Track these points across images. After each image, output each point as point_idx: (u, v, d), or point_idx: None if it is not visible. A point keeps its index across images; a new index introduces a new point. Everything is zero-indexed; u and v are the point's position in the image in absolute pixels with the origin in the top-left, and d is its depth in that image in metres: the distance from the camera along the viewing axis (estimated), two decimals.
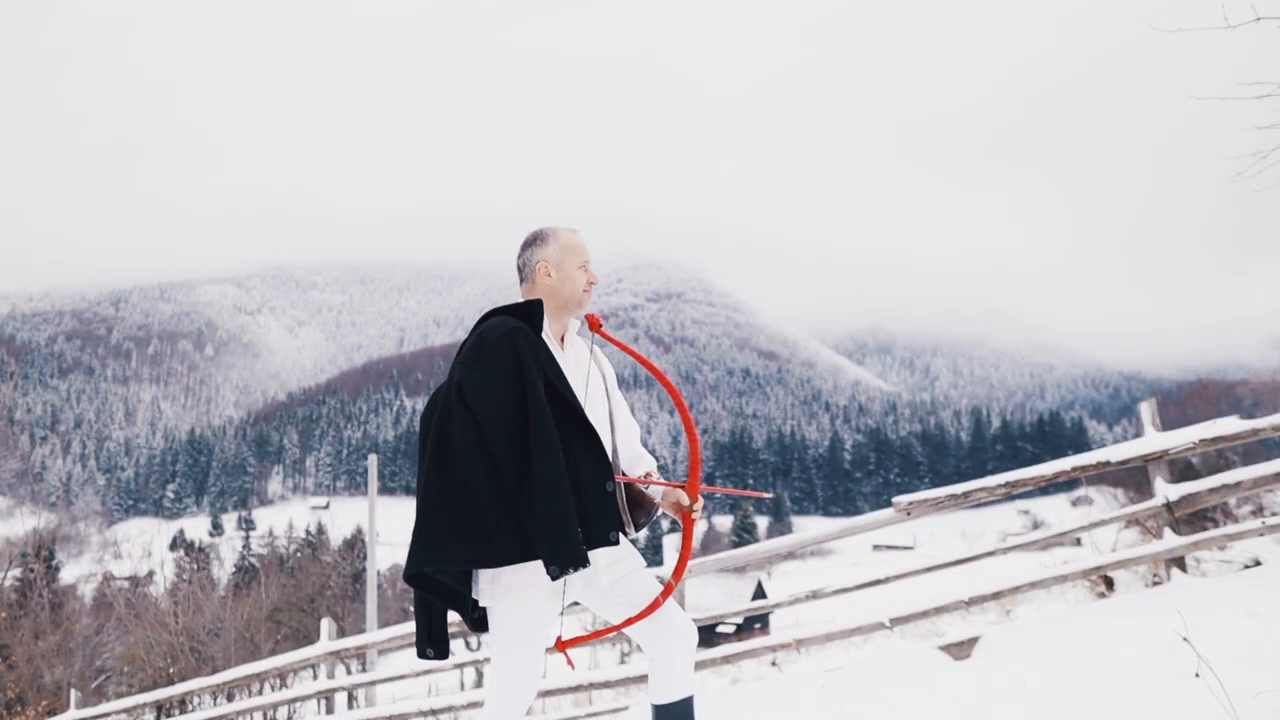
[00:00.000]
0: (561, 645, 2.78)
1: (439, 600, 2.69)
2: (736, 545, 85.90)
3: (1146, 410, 5.40)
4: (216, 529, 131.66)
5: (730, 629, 44.83)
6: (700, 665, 5.86)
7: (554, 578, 2.47)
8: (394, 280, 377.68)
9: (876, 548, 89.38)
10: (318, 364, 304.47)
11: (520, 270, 2.90)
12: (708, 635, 42.17)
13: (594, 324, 2.93)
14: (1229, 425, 5.03)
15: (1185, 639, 2.52)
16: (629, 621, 2.75)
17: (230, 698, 9.46)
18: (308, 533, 78.69)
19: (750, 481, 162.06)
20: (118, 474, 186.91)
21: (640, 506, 2.85)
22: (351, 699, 17.73)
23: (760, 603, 5.86)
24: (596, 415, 2.79)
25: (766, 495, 2.93)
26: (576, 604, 2.84)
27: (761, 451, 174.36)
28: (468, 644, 24.93)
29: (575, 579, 2.69)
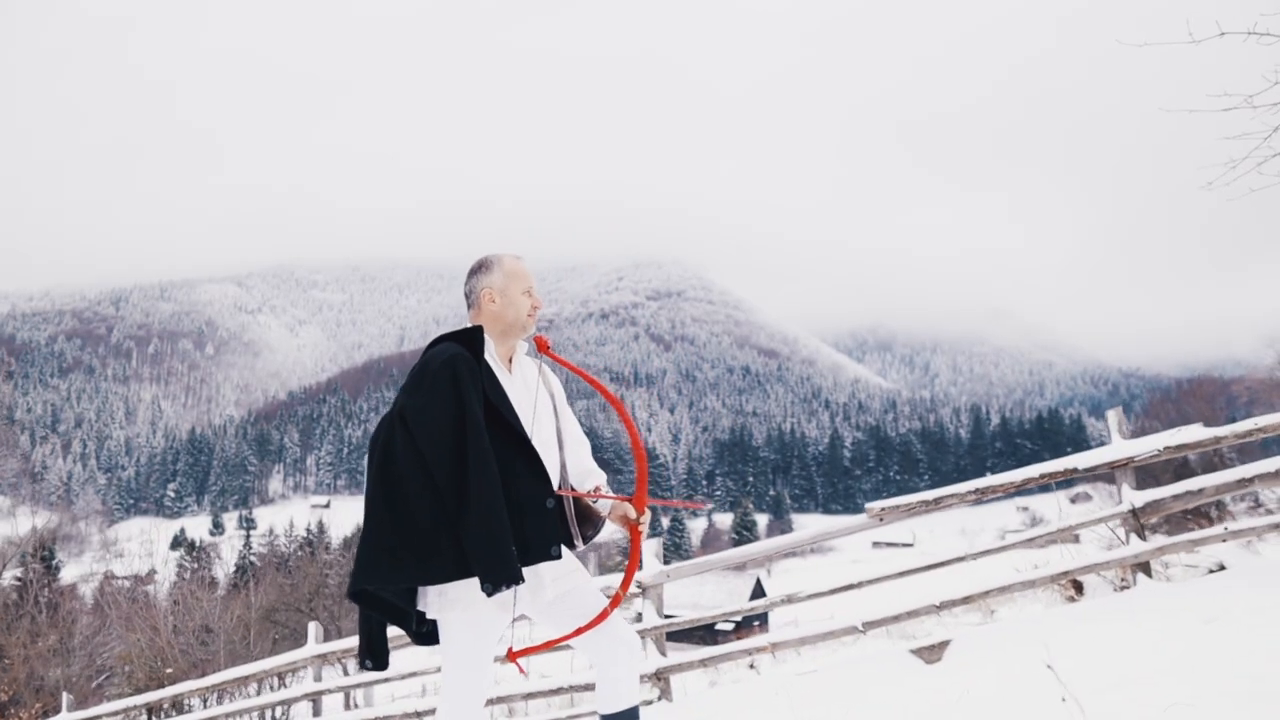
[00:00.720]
0: (513, 655, 2.92)
1: (383, 616, 2.81)
2: (737, 543, 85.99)
3: (1113, 418, 5.49)
4: (217, 528, 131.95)
5: (730, 626, 44.99)
6: (678, 669, 5.96)
7: (488, 594, 2.59)
8: (394, 279, 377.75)
9: (876, 544, 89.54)
10: (318, 363, 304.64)
11: (467, 297, 3.04)
12: (707, 632, 42.30)
13: (541, 345, 3.08)
14: (1192, 433, 5.13)
15: (1049, 666, 2.61)
16: (576, 632, 2.88)
17: (220, 700, 9.56)
18: (309, 531, 78.72)
19: (751, 479, 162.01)
20: (118, 473, 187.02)
21: (588, 520, 2.99)
22: (349, 700, 17.82)
23: (726, 610, 5.96)
24: (545, 434, 2.93)
25: (705, 505, 3.12)
26: (525, 617, 2.96)
27: (762, 449, 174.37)
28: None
29: (522, 591, 2.81)
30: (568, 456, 3.03)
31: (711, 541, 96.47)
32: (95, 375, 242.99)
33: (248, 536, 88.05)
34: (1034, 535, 5.48)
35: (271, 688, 9.68)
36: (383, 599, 2.78)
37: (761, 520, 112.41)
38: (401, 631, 2.88)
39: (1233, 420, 5.68)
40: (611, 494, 2.99)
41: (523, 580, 2.62)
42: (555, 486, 2.90)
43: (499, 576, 2.57)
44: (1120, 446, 5.28)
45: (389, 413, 2.82)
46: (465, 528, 2.62)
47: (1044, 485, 5.62)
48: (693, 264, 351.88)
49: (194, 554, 64.54)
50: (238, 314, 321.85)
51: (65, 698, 8.11)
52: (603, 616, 2.90)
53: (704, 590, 45.59)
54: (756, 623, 45.35)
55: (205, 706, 8.52)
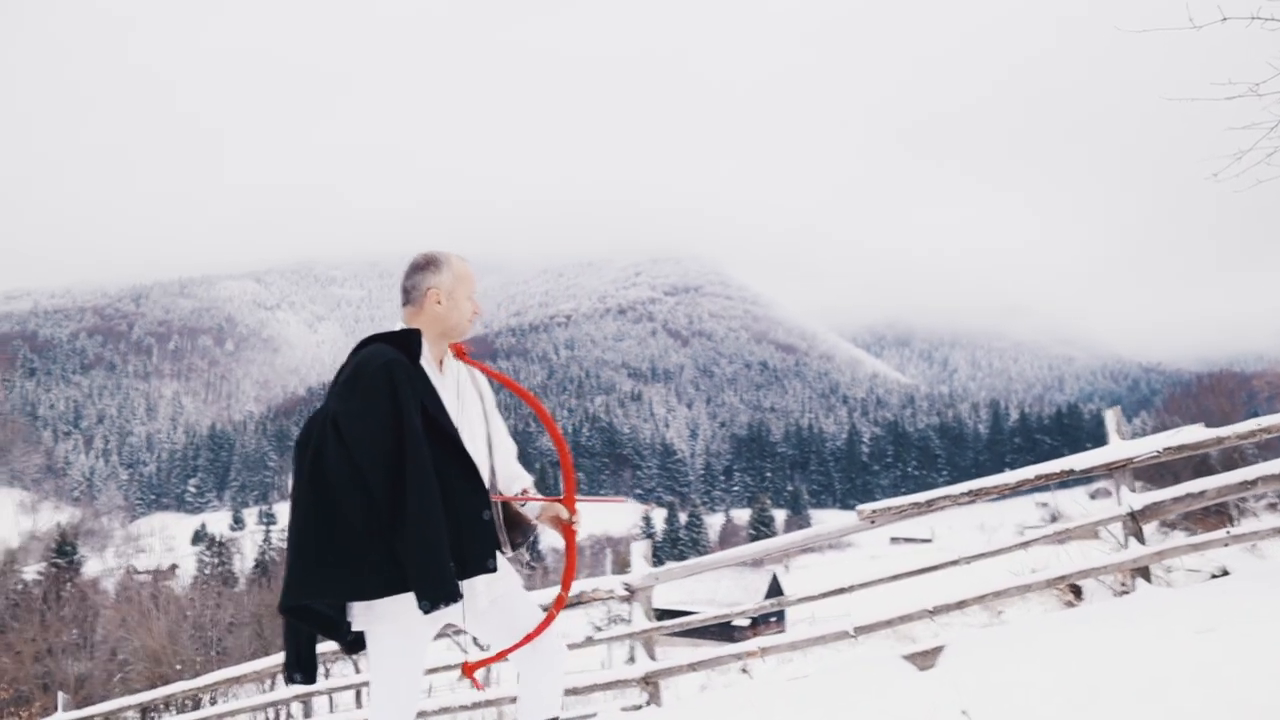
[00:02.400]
0: (468, 669, 2.89)
1: (314, 629, 2.72)
2: (754, 539, 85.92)
3: (1111, 418, 5.34)
4: (238, 523, 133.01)
5: (746, 622, 44.94)
6: (667, 673, 5.86)
7: (425, 612, 2.50)
8: None
9: (894, 540, 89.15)
10: (336, 359, 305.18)
11: (407, 292, 2.91)
12: (723, 629, 42.22)
13: (459, 352, 2.97)
14: (1193, 434, 4.97)
15: (964, 712, 2.49)
16: (525, 639, 2.84)
17: (214, 700, 9.55)
18: None
19: (768, 475, 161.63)
20: (140, 469, 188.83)
21: (517, 526, 2.94)
22: (359, 699, 17.78)
23: (723, 612, 5.85)
24: (474, 437, 2.86)
25: (622, 500, 3.11)
26: (454, 628, 2.91)
27: (779, 444, 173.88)
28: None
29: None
30: (496, 461, 2.96)
31: (729, 538, 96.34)
32: (116, 371, 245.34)
33: (267, 531, 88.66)
34: (1028, 541, 5.34)
35: (269, 688, 9.72)
36: (313, 610, 2.68)
37: (779, 516, 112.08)
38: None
39: (1254, 415, 5.50)
40: (540, 496, 2.94)
41: (460, 597, 2.53)
42: (489, 488, 2.85)
43: (437, 595, 2.48)
44: (1118, 447, 5.12)
45: (318, 414, 2.70)
46: (402, 543, 2.51)
47: (1040, 487, 5.47)
48: (710, 259, 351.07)
49: (214, 549, 65.11)
50: (257, 310, 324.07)
51: (61, 697, 8.09)
52: (548, 622, 2.85)
53: (720, 586, 45.59)
54: (772, 619, 45.24)
55: (198, 707, 8.51)
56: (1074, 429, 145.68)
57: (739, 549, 6.06)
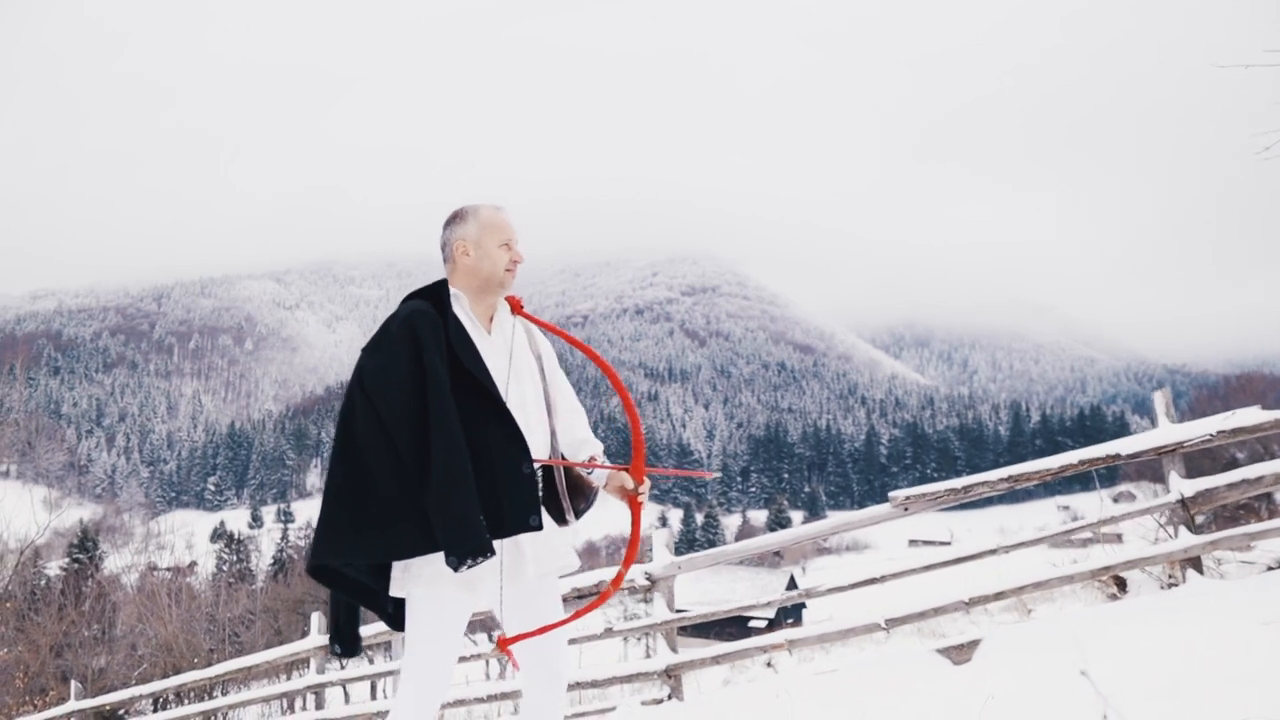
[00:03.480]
0: (503, 643, 2.61)
1: (348, 596, 2.57)
2: None
3: (1160, 400, 5.06)
4: (256, 521, 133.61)
5: (763, 622, 44.67)
6: (690, 666, 5.63)
7: (454, 569, 2.34)
8: (430, 275, 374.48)
9: (913, 542, 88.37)
10: (354, 358, 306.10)
11: (442, 250, 2.81)
12: (740, 627, 41.92)
13: (515, 306, 2.80)
14: (1249, 416, 4.69)
15: (1084, 673, 2.25)
16: (576, 615, 2.70)
17: (225, 691, 9.42)
18: None
19: (785, 475, 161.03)
20: (160, 467, 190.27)
21: (580, 492, 2.72)
22: (374, 691, 17.64)
23: (741, 604, 5.62)
24: (529, 398, 2.68)
25: (712, 474, 2.80)
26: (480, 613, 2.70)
27: (797, 445, 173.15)
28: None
29: (499, 570, 2.51)
30: (559, 423, 2.77)
31: (746, 538, 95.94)
32: (138, 370, 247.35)
33: (285, 529, 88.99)
34: (1072, 527, 5.06)
35: (286, 678, 9.56)
36: (348, 576, 2.53)
37: (796, 517, 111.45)
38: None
39: None
40: (607, 463, 2.70)
41: (492, 553, 2.34)
42: (547, 455, 2.66)
43: (464, 549, 2.31)
44: (1168, 431, 4.85)
45: (351, 378, 2.59)
46: (428, 497, 2.35)
47: (1083, 473, 5.21)
48: (727, 259, 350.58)
49: (233, 546, 65.39)
50: (276, 310, 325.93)
51: (73, 686, 7.97)
52: (604, 597, 2.73)
53: (737, 586, 45.24)
54: (789, 620, 44.87)
55: (210, 697, 8.37)
56: (1096, 431, 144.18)
57: (765, 538, 5.82)
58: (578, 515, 2.70)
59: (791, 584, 48.64)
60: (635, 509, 2.64)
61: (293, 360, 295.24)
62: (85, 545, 46.08)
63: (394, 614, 2.60)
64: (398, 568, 2.52)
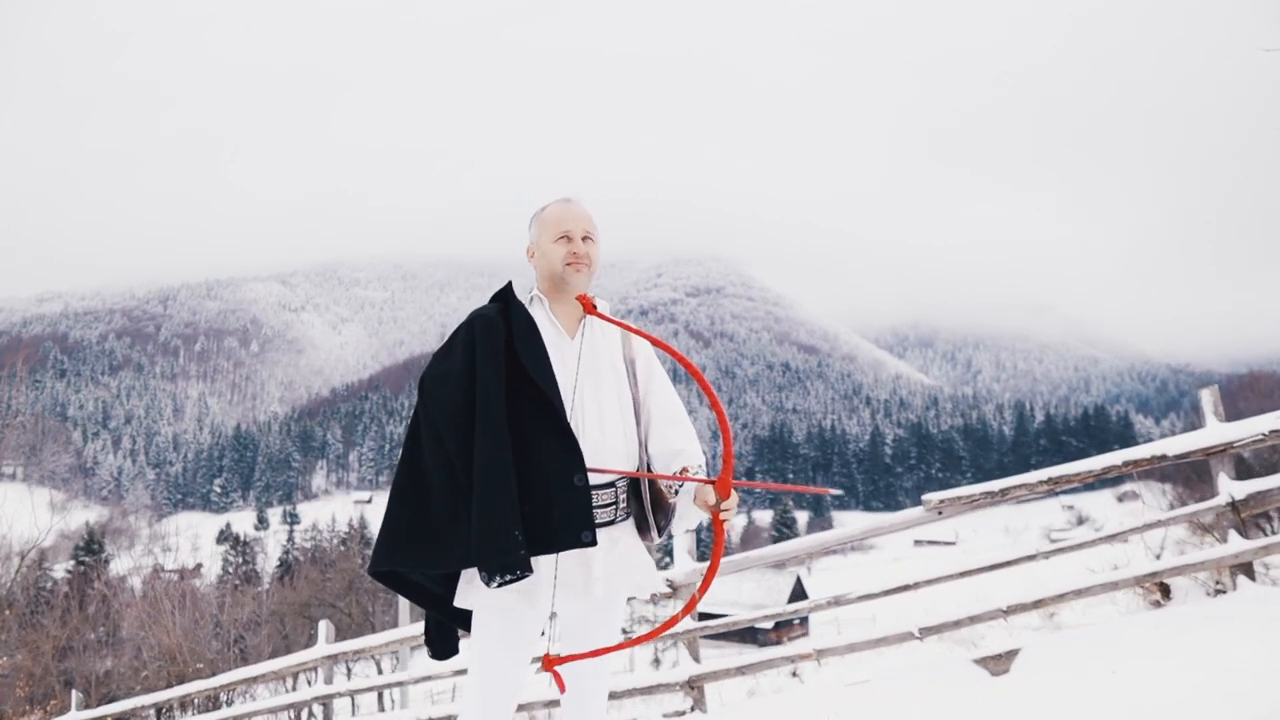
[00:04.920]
0: (549, 663, 2.42)
1: (414, 600, 2.53)
2: (777, 540, 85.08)
3: (1208, 398, 4.83)
4: (262, 523, 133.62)
5: (769, 625, 44.33)
6: (713, 676, 5.41)
7: (486, 584, 2.24)
8: (435, 277, 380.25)
9: (918, 543, 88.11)
10: (360, 360, 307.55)
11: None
12: (746, 630, 41.69)
13: (586, 306, 2.59)
14: None
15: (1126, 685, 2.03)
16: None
17: (232, 701, 9.23)
18: (350, 526, 79.37)
19: (790, 476, 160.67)
20: (166, 469, 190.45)
21: (660, 509, 2.56)
22: (381, 701, 17.41)
23: (769, 611, 5.41)
24: (607, 404, 2.51)
25: (833, 491, 2.50)
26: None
27: (802, 446, 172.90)
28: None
29: (567, 582, 2.39)
30: (654, 434, 2.58)
31: (751, 539, 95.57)
32: (144, 373, 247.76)
33: (291, 531, 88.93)
34: (1123, 531, 4.84)
35: (288, 688, 9.38)
36: (412, 580, 2.50)
37: (801, 518, 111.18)
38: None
39: None
40: (690, 476, 2.45)
41: (528, 570, 2.23)
42: (633, 467, 2.49)
43: (493, 563, 2.20)
44: (1217, 430, 4.63)
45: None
46: (470, 506, 2.27)
47: (1124, 475, 4.98)
48: (732, 260, 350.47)
49: (238, 548, 65.35)
50: (282, 312, 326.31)
51: (75, 695, 7.77)
52: (671, 623, 2.58)
53: (743, 588, 44.97)
54: (796, 622, 44.60)
55: (216, 708, 8.17)
56: (1101, 431, 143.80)
57: (795, 542, 5.60)
58: (659, 532, 2.54)
59: (798, 584, 48.39)
60: (717, 526, 2.41)
61: (298, 362, 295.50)
62: (91, 547, 46.09)
63: (463, 620, 2.54)
64: (464, 577, 2.45)
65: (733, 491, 2.35)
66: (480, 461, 2.27)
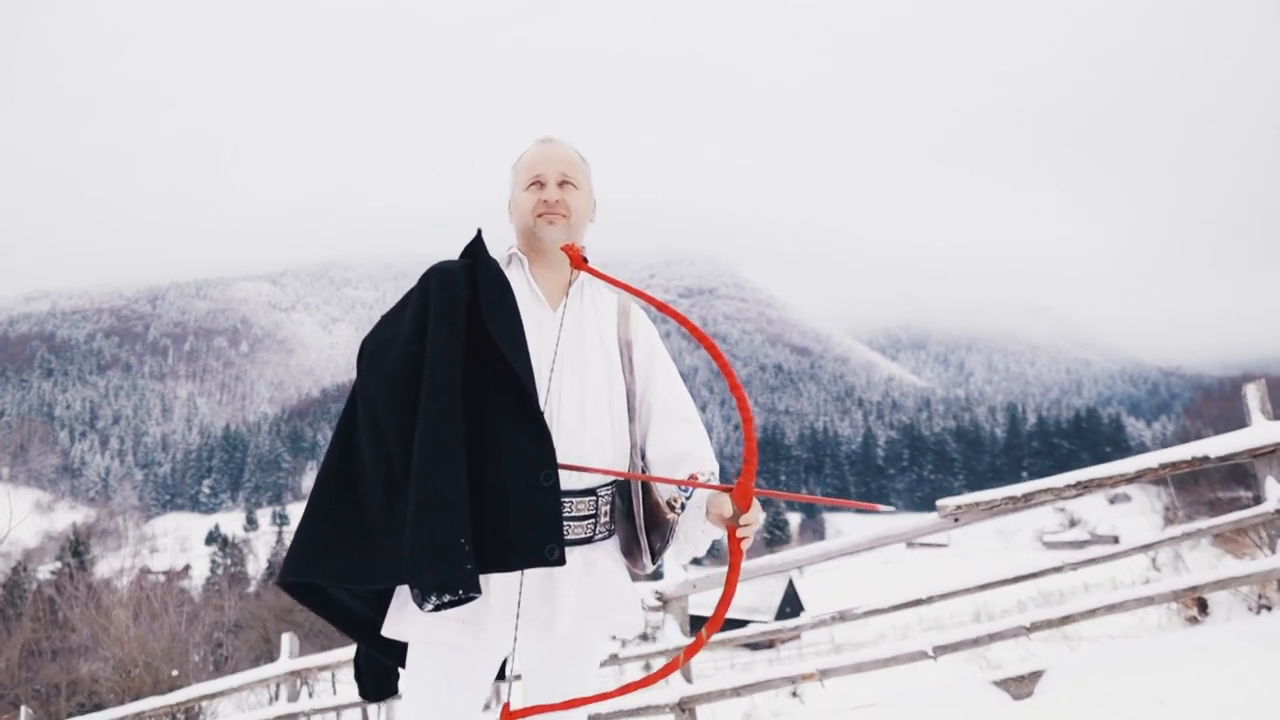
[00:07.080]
0: (509, 716, 1.76)
1: (335, 624, 1.88)
2: (768, 543, 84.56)
3: (1254, 394, 4.40)
4: (251, 524, 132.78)
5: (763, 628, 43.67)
6: (706, 698, 4.96)
7: (420, 605, 1.67)
8: None
9: (910, 545, 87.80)
10: (351, 360, 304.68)
11: None
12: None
13: (574, 258, 1.95)
14: None
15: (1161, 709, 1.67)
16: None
17: (191, 718, 8.75)
18: None
19: (782, 478, 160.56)
20: (155, 469, 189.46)
21: (656, 528, 1.94)
22: (366, 715, 16.86)
23: (778, 625, 4.97)
24: (590, 390, 1.91)
25: (883, 509, 1.73)
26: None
27: (794, 448, 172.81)
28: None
29: (524, 612, 1.76)
30: (652, 430, 1.99)
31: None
32: (132, 372, 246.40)
33: (280, 532, 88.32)
34: (1162, 540, 4.39)
35: (276, 697, 8.90)
36: (336, 600, 1.87)
37: (793, 520, 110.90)
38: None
39: None
40: (699, 482, 1.84)
41: (474, 591, 1.64)
42: (617, 467, 1.89)
43: (430, 578, 1.62)
44: (1265, 429, 4.19)
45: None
46: (404, 505, 1.66)
47: (1160, 479, 4.55)
48: (725, 261, 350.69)
49: (227, 550, 64.70)
50: (272, 312, 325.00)
51: (24, 711, 7.27)
52: (672, 668, 1.80)
53: (737, 589, 44.51)
54: (788, 629, 44.17)
55: None
56: (1093, 433, 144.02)
57: (797, 551, 5.16)
58: (654, 556, 1.95)
59: (790, 587, 47.92)
60: (734, 547, 1.76)
61: (288, 362, 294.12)
62: (77, 549, 45.34)
63: (395, 653, 1.89)
64: (396, 599, 1.83)
65: (754, 502, 1.73)
66: (422, 448, 1.67)
